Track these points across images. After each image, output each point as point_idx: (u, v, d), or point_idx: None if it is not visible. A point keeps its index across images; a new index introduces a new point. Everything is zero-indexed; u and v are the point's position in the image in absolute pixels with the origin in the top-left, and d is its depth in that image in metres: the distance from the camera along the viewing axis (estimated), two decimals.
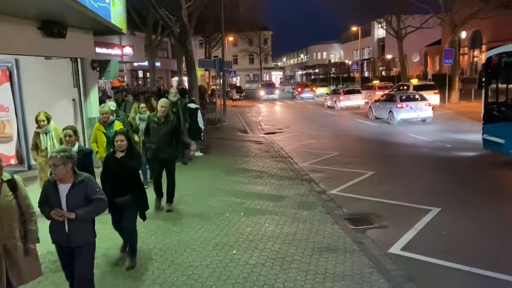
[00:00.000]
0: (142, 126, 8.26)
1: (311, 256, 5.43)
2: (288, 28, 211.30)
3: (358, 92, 30.37)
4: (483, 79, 11.27)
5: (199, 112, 12.31)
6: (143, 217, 5.50)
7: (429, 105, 19.44)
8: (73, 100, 10.21)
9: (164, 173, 7.47)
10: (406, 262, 5.40)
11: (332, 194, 8.50)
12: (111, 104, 9.05)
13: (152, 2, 16.88)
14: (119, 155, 5.23)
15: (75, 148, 5.47)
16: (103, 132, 7.40)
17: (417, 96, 20.02)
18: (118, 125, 7.43)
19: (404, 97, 19.92)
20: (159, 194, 7.50)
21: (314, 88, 45.12)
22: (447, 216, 6.98)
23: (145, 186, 8.18)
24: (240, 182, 9.31)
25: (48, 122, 7.08)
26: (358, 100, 28.90)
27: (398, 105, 19.34)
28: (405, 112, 19.15)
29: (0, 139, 9.82)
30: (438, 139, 14.42)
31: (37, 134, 7.19)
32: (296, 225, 6.59)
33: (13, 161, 9.75)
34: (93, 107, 10.43)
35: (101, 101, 12.68)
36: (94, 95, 10.72)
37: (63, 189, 3.89)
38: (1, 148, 9.75)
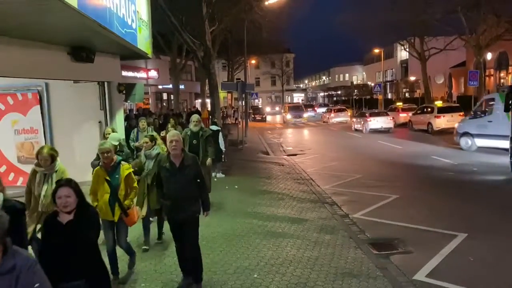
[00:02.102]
0: (148, 165, 6.58)
1: (333, 282, 5.34)
2: (310, 50, 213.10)
3: (345, 110, 40.42)
4: (510, 102, 11.06)
5: (220, 134, 12.47)
6: None
7: (391, 119, 27.56)
8: (100, 122, 10.47)
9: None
10: None
11: (355, 217, 8.38)
12: (114, 137, 7.00)
13: (177, 27, 17.34)
14: (64, 218, 3.49)
15: None
16: (106, 180, 5.22)
17: (382, 113, 28.85)
18: (126, 168, 5.38)
19: (372, 113, 28.53)
20: (184, 269, 5.30)
21: (315, 108, 54.34)
22: (474, 242, 6.78)
23: (146, 247, 6.50)
24: (262, 204, 9.29)
25: (53, 161, 5.23)
26: (345, 117, 38.44)
27: (367, 119, 27.44)
28: (372, 124, 27.12)
29: (28, 160, 10.11)
30: (464, 162, 14.11)
31: (33, 173, 5.32)
32: (318, 249, 6.50)
33: None
34: (118, 130, 10.67)
35: (130, 125, 12.27)
36: (120, 118, 10.97)
37: None
38: (30, 169, 10.04)
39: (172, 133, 5.14)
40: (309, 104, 63.63)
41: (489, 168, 12.92)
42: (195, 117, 9.12)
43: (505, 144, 13.58)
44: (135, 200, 5.57)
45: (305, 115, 39.73)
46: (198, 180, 5.09)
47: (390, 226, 7.83)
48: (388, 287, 5.18)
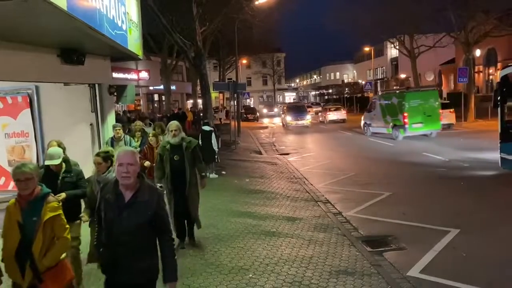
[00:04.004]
0: None
1: (328, 280, 5.36)
2: (301, 49, 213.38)
3: (311, 107, 47.87)
4: (498, 98, 11.17)
5: (213, 135, 12.47)
6: None
7: (345, 113, 36.93)
8: (91, 124, 10.40)
9: None
10: (425, 285, 5.30)
11: (348, 215, 8.42)
12: (53, 153, 5.05)
13: (167, 28, 17.29)
14: None
15: None
16: (18, 223, 3.50)
17: (338, 107, 38.64)
18: (51, 209, 3.57)
19: (331, 108, 38.14)
20: None
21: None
22: (467, 238, 6.85)
23: None
24: (256, 204, 9.30)
25: None
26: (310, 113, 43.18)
27: (327, 113, 36.83)
28: (330, 116, 36.17)
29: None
30: (455, 158, 14.23)
31: None
32: (313, 247, 6.53)
33: None
34: (110, 132, 10.61)
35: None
36: (111, 120, 10.91)
37: None
38: None
39: (123, 151, 3.37)
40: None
41: (480, 163, 13.04)
42: (172, 125, 6.56)
43: (381, 130, 22.49)
44: (63, 255, 3.71)
45: (308, 116, 33.45)
46: (158, 226, 3.32)
47: (384, 223, 7.88)
48: (383, 284, 5.22)
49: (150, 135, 8.54)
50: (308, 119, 32.73)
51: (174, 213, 6.50)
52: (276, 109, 52.28)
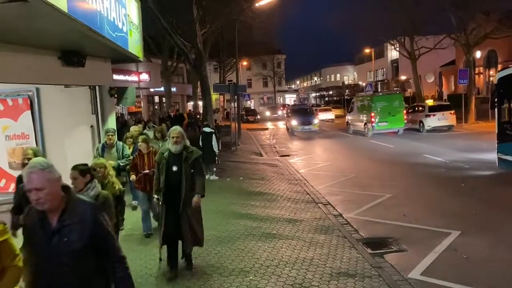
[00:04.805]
0: None
1: (329, 282, 5.35)
2: (302, 51, 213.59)
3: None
4: (496, 99, 11.25)
5: (213, 136, 12.48)
6: None
7: (332, 113, 43.44)
8: (91, 126, 10.40)
9: None
10: (426, 287, 5.29)
11: (349, 217, 8.41)
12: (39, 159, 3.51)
13: (168, 30, 17.30)
14: None
15: None
16: None
17: (328, 109, 45.28)
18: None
19: (321, 109, 43.99)
20: None
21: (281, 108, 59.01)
22: (468, 239, 6.83)
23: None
24: (256, 206, 9.29)
25: None
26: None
27: (318, 112, 38.65)
28: (320, 116, 37.70)
29: (20, 166, 10.03)
30: (455, 160, 14.22)
31: None
32: (313, 249, 6.52)
33: None
34: None
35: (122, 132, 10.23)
36: (112, 122, 10.91)
37: None
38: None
39: (30, 167, 2.66)
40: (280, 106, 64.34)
41: (479, 164, 13.03)
42: (174, 131, 5.72)
43: (358, 128, 26.06)
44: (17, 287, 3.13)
45: (316, 120, 29.01)
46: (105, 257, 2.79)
47: (384, 225, 7.87)
48: (384, 286, 5.21)
49: (140, 140, 7.72)
50: (315, 123, 28.49)
51: (163, 235, 5.68)
52: (279, 112, 48.85)
